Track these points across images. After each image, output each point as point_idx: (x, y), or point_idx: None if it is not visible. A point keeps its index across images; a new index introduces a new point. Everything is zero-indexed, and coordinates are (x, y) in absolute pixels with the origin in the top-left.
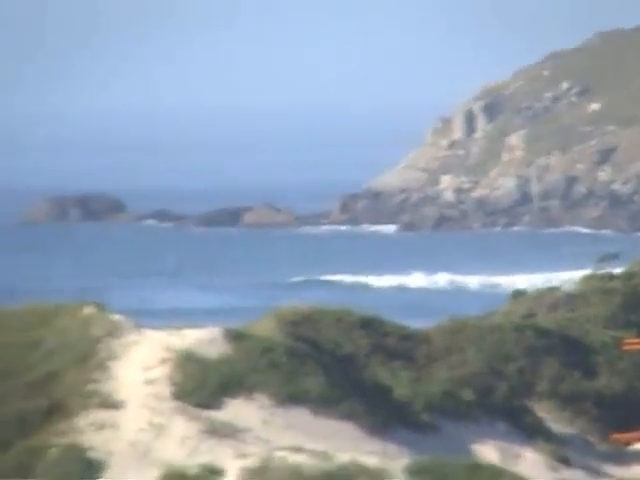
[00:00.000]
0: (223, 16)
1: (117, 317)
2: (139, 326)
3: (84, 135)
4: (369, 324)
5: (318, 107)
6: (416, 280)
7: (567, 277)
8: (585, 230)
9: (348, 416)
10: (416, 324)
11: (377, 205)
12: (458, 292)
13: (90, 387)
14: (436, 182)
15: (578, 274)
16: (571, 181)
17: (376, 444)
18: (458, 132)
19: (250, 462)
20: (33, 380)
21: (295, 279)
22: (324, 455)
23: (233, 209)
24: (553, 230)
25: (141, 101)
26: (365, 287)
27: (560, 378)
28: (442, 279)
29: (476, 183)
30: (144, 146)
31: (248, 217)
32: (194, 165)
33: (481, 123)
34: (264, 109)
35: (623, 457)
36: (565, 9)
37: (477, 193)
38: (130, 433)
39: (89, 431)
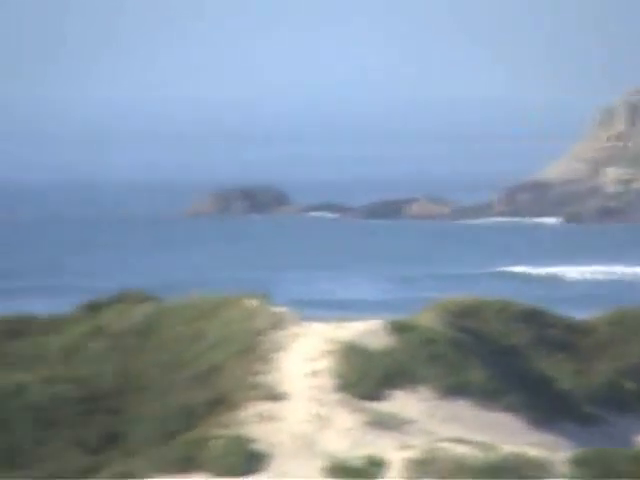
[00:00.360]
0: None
1: (281, 309)
2: (303, 318)
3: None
4: (532, 315)
5: (485, 100)
6: (593, 271)
7: None
8: None
9: (510, 408)
10: (593, 315)
11: (539, 197)
12: (634, 283)
13: (254, 379)
14: (599, 174)
15: None
16: None
17: (539, 436)
18: (620, 124)
19: (413, 453)
20: (197, 372)
21: (468, 271)
22: (488, 446)
23: (395, 201)
24: None
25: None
26: (544, 279)
27: None
28: (617, 270)
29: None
30: (300, 138)
31: (410, 209)
32: (349, 156)
33: None
34: (425, 101)
35: None
36: None
37: None
38: (294, 425)
39: (253, 423)
